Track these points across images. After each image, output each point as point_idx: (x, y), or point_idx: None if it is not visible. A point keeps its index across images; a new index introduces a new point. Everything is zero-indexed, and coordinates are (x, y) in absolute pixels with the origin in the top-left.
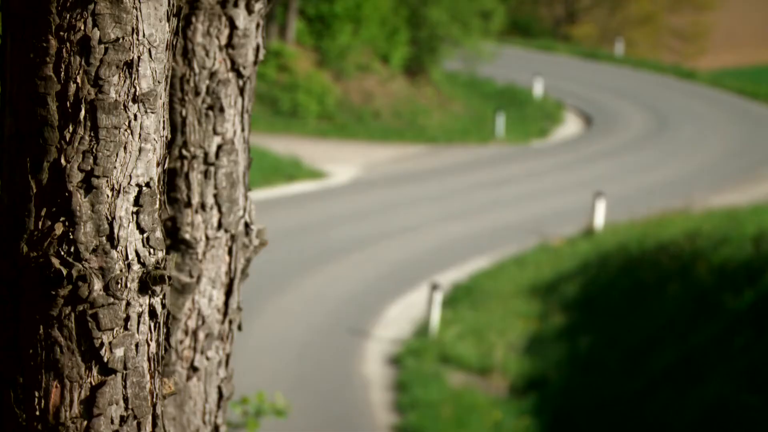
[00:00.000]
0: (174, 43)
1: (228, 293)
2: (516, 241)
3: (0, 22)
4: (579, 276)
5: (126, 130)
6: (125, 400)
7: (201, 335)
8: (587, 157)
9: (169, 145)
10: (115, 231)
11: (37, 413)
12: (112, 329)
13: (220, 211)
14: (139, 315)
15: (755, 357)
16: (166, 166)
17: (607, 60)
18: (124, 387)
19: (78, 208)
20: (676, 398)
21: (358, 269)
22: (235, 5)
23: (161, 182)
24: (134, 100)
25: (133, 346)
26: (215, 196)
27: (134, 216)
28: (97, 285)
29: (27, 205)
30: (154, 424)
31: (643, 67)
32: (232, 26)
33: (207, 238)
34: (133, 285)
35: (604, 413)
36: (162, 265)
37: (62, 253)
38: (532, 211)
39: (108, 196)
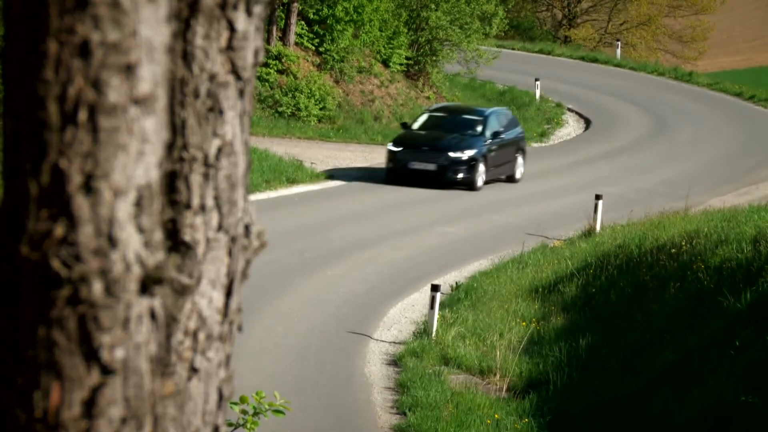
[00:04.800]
0: (173, 45)
1: (228, 294)
2: (516, 243)
3: (0, 25)
4: (579, 277)
5: (126, 132)
6: (125, 400)
7: (201, 336)
8: (587, 158)
9: (169, 147)
10: (115, 233)
11: (37, 414)
12: (113, 330)
13: (219, 212)
14: (139, 316)
15: (755, 357)
16: (165, 168)
17: (607, 62)
18: (124, 388)
19: (78, 209)
20: (676, 398)
21: (358, 270)
22: (235, 8)
23: (161, 184)
24: (134, 103)
25: (133, 347)
26: (215, 197)
27: (134, 218)
28: (98, 286)
29: (27, 207)
30: (154, 425)
31: (642, 69)
32: (232, 29)
33: (207, 239)
34: (133, 286)
35: (604, 413)
36: (162, 267)
37: (63, 254)
38: (531, 212)
39: (108, 198)
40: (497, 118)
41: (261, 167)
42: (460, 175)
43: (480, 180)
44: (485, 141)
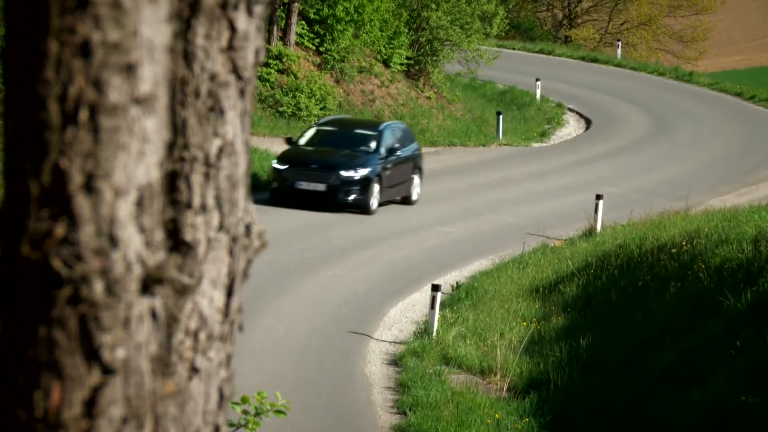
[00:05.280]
0: (174, 45)
1: (229, 294)
2: (516, 242)
3: (1, 25)
4: (579, 276)
5: (127, 132)
6: (126, 400)
7: (202, 336)
8: (587, 158)
9: (170, 147)
10: (116, 232)
11: (38, 414)
12: (113, 330)
13: (220, 212)
14: (140, 316)
15: (755, 357)
16: (166, 167)
17: (607, 62)
18: (125, 387)
19: (79, 209)
20: (676, 398)
21: (359, 270)
22: (236, 8)
23: (162, 184)
24: (135, 102)
25: (134, 347)
26: (216, 197)
27: (135, 217)
28: (98, 286)
29: (28, 207)
30: (155, 424)
31: (643, 69)
32: (233, 29)
33: (208, 239)
34: (134, 286)
35: (605, 413)
36: (163, 267)
37: (63, 254)
38: (532, 212)
39: (109, 198)
40: (392, 132)
41: (262, 167)
42: (352, 197)
43: (374, 202)
44: (380, 159)
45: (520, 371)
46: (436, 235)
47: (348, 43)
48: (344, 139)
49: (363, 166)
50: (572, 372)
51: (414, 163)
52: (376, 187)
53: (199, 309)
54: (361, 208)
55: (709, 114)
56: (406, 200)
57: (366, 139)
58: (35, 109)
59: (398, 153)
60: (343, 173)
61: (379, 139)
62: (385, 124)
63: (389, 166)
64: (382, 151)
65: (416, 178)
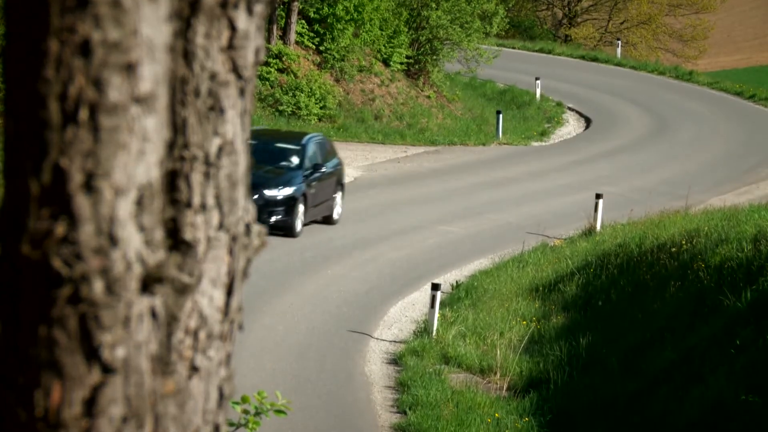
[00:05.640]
0: (174, 44)
1: (229, 293)
2: (516, 242)
3: (1, 24)
4: (579, 276)
5: (127, 131)
6: (126, 399)
7: (202, 335)
8: (587, 157)
9: (170, 146)
10: (116, 231)
11: (38, 413)
12: (113, 329)
13: (220, 211)
14: (140, 315)
15: (755, 356)
16: (166, 166)
17: (607, 61)
18: (125, 386)
19: (79, 208)
20: (676, 397)
21: (359, 269)
22: (236, 7)
23: (162, 183)
24: (135, 101)
25: (134, 346)
26: (216, 196)
27: (135, 216)
28: (98, 285)
29: (28, 206)
30: (155, 424)
31: (643, 68)
32: (233, 28)
33: (208, 238)
34: (134, 285)
35: (605, 412)
36: (162, 266)
37: (63, 253)
38: (532, 211)
39: (109, 197)
40: (315, 146)
41: None
42: (275, 218)
43: (299, 223)
44: (304, 175)
45: (519, 370)
46: (436, 235)
47: (348, 42)
48: (264, 153)
49: (287, 184)
50: (572, 371)
51: (337, 179)
52: (302, 207)
53: (199, 308)
54: (285, 230)
55: (709, 113)
56: (328, 220)
57: (288, 154)
58: (35, 109)
59: (323, 169)
60: (267, 192)
61: (302, 153)
62: (307, 136)
63: (314, 183)
64: (306, 167)
65: (338, 196)
